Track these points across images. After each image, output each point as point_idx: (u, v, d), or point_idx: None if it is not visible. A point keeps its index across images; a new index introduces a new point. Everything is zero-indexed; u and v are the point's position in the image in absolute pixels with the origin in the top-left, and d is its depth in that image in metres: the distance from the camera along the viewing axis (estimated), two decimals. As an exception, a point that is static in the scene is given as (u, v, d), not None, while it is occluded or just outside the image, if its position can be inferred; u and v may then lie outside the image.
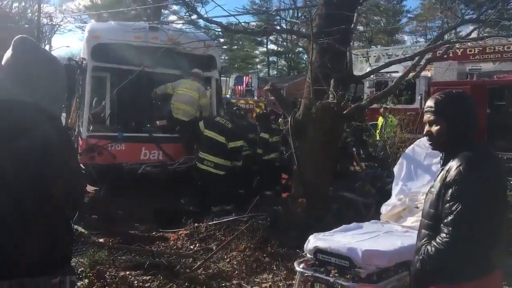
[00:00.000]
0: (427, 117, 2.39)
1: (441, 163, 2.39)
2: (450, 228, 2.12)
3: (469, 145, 2.29)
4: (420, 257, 2.26)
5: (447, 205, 2.16)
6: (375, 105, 11.50)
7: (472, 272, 2.20)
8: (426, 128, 2.41)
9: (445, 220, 2.16)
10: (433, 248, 2.18)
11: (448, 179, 2.20)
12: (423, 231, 2.34)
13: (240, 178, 8.13)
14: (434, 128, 2.35)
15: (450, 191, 2.16)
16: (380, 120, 12.75)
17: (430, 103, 2.39)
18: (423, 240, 2.29)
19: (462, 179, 2.14)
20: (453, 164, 2.22)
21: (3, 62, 2.12)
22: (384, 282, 3.12)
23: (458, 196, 2.13)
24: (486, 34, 7.32)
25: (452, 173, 2.18)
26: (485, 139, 12.21)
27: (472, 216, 2.11)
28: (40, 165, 1.94)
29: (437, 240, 2.17)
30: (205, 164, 7.60)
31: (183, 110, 8.61)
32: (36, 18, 26.38)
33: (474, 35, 7.15)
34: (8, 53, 2.12)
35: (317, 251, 3.34)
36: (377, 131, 12.24)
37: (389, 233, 3.71)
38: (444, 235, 2.14)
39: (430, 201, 2.31)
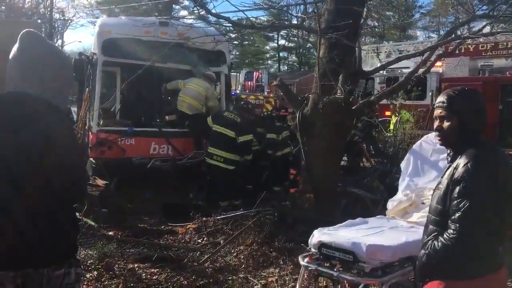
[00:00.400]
0: (438, 112, 2.40)
1: (448, 159, 2.39)
2: (458, 225, 2.14)
3: (477, 143, 2.30)
4: (427, 251, 2.27)
5: (455, 202, 2.17)
6: (385, 101, 11.44)
7: (479, 269, 2.21)
8: (437, 123, 2.41)
9: (453, 217, 2.17)
10: (439, 244, 2.20)
11: (455, 176, 2.20)
12: (430, 226, 2.35)
13: (250, 173, 8.13)
14: (446, 124, 2.35)
15: (457, 188, 2.17)
16: (394, 116, 12.65)
17: (442, 98, 2.39)
18: (430, 235, 2.30)
19: (470, 176, 2.15)
20: (461, 161, 2.22)
21: (10, 56, 2.16)
22: (388, 276, 3.12)
23: (466, 193, 2.14)
24: (499, 30, 7.23)
25: (460, 170, 2.19)
26: (496, 136, 12.11)
27: (479, 213, 2.12)
28: (42, 157, 1.96)
29: (445, 236, 2.18)
30: (215, 159, 7.61)
31: (188, 103, 8.64)
32: (48, 13, 26.60)
33: (486, 30, 7.07)
34: (15, 47, 2.15)
35: (321, 245, 3.35)
36: (391, 126, 12.16)
37: (394, 228, 3.70)
38: (451, 231, 2.15)
39: (437, 197, 2.32)
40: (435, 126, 2.42)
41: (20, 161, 1.97)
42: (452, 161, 2.33)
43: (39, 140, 1.96)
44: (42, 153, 1.96)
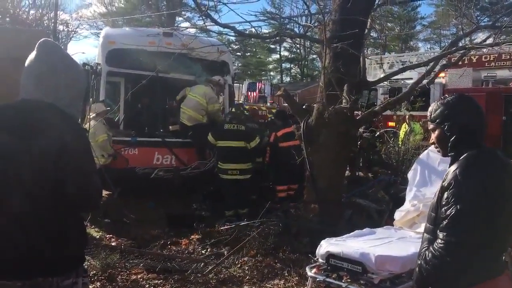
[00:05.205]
0: (428, 125, 2.40)
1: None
2: (445, 234, 2.08)
3: (472, 148, 2.23)
4: (419, 262, 2.21)
5: (443, 209, 2.11)
6: (389, 112, 11.41)
7: (472, 278, 2.14)
8: (431, 136, 2.40)
9: (441, 225, 2.11)
10: (430, 254, 2.14)
11: (445, 182, 2.16)
12: (425, 235, 2.30)
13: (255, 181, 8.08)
14: (434, 135, 2.35)
15: (446, 194, 2.12)
16: (404, 127, 12.59)
17: (428, 112, 2.39)
18: (424, 244, 2.25)
19: (457, 182, 2.10)
20: (452, 168, 2.19)
21: (26, 63, 2.14)
22: (397, 288, 3.08)
23: (453, 200, 2.08)
24: (502, 41, 7.23)
25: (449, 176, 2.15)
26: (500, 147, 12.06)
27: (467, 220, 2.05)
28: (56, 165, 1.95)
29: (434, 245, 2.13)
30: (230, 173, 7.56)
31: (188, 115, 8.62)
32: (52, 24, 26.75)
33: (489, 42, 7.06)
34: (32, 55, 2.15)
35: (329, 256, 3.30)
36: (401, 136, 12.09)
37: (403, 239, 3.66)
38: (440, 240, 2.10)
39: (432, 205, 2.28)
40: (430, 139, 2.42)
41: (34, 169, 1.95)
42: (449, 167, 2.28)
43: (53, 148, 1.95)
44: (56, 161, 1.94)
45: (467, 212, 2.06)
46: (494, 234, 2.13)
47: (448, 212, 2.08)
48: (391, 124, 13.90)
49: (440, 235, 2.10)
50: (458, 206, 2.06)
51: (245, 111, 8.86)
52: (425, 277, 2.17)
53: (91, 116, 7.75)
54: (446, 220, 2.08)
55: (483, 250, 2.11)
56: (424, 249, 2.22)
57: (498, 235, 2.17)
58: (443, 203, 2.13)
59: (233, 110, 8.32)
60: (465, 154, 2.21)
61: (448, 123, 2.27)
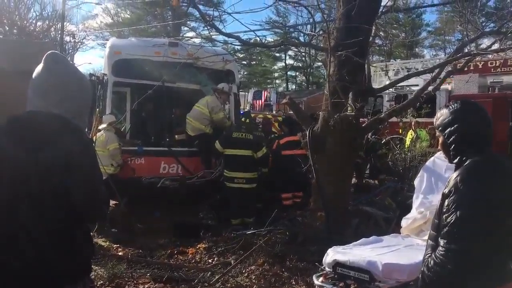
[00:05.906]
0: (435, 133, 2.41)
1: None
2: (446, 241, 2.07)
3: (475, 154, 2.21)
4: (422, 269, 2.21)
5: (444, 216, 2.11)
6: (395, 119, 11.38)
7: (476, 285, 2.12)
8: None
9: (442, 232, 2.11)
10: (431, 261, 2.13)
11: (446, 189, 2.16)
12: (429, 241, 2.29)
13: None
14: (439, 142, 2.36)
15: (446, 201, 2.12)
16: (410, 134, 12.56)
17: (434, 118, 2.40)
18: (427, 251, 2.25)
19: (457, 189, 2.09)
20: (454, 174, 2.18)
21: (33, 75, 2.17)
22: (405, 296, 3.05)
23: (453, 207, 2.08)
24: (507, 46, 7.21)
25: (450, 183, 2.15)
26: (507, 153, 11.98)
27: (466, 227, 2.04)
28: (63, 176, 1.96)
29: (436, 252, 2.12)
30: (237, 182, 7.58)
31: (191, 125, 8.66)
32: (59, 36, 27.06)
33: (495, 47, 7.04)
34: (39, 67, 2.17)
35: (336, 264, 3.29)
36: (407, 143, 12.07)
37: (410, 246, 3.64)
38: (441, 247, 2.09)
39: (435, 211, 2.28)
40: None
41: (41, 180, 1.96)
42: None
43: (60, 159, 1.96)
44: (62, 172, 1.96)
45: (467, 219, 2.05)
46: (498, 242, 2.12)
47: (448, 219, 2.08)
48: (397, 131, 13.87)
49: (441, 242, 2.10)
50: (458, 213, 2.06)
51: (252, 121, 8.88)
52: (428, 284, 2.17)
53: (101, 127, 7.81)
54: (447, 227, 2.08)
55: (487, 257, 2.10)
56: (427, 255, 2.22)
57: (503, 243, 2.15)
58: (444, 210, 2.13)
59: (247, 120, 8.25)
60: (468, 161, 2.20)
61: (450, 130, 2.27)
